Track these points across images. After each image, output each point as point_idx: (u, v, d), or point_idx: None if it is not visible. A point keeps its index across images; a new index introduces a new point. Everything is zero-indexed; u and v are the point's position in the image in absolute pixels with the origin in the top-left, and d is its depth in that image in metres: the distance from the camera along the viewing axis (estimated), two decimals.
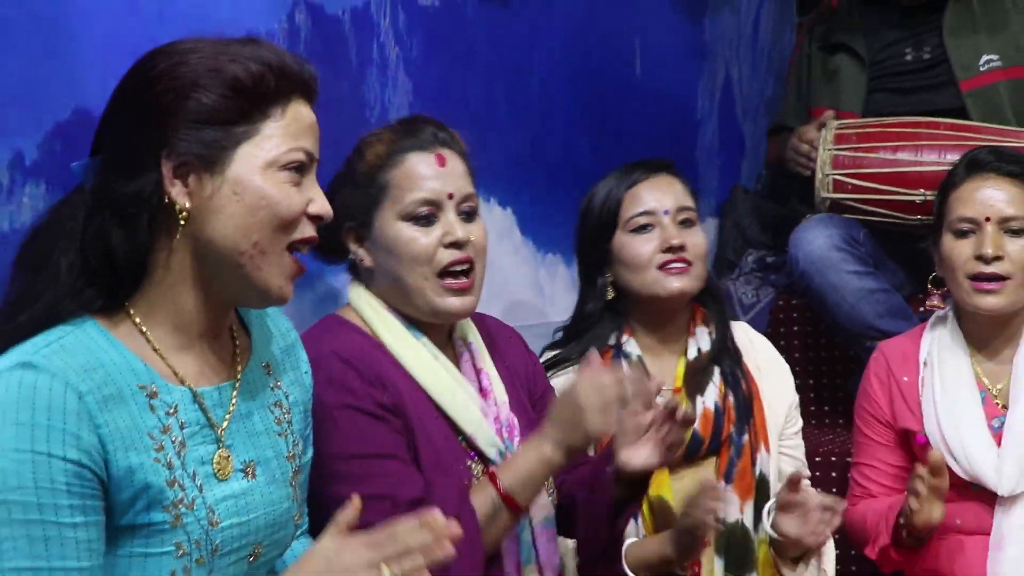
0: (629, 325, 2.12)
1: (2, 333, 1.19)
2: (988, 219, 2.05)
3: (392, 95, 2.11)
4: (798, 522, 1.91)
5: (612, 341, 2.11)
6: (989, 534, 2.03)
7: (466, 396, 1.69)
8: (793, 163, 2.91)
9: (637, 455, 1.71)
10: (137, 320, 1.23)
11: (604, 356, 2.08)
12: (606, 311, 2.12)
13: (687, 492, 1.95)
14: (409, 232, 1.64)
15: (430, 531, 1.22)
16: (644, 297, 2.08)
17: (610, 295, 2.11)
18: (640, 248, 2.06)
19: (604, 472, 1.73)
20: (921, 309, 2.70)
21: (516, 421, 1.75)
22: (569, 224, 2.64)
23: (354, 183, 1.68)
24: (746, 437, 2.07)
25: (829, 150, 2.71)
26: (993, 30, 2.90)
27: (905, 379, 2.16)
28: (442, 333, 1.73)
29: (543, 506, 1.74)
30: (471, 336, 1.78)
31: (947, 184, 2.14)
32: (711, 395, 2.07)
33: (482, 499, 1.60)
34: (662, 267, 2.04)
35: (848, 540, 2.25)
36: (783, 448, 2.13)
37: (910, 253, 2.78)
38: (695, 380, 2.08)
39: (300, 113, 1.26)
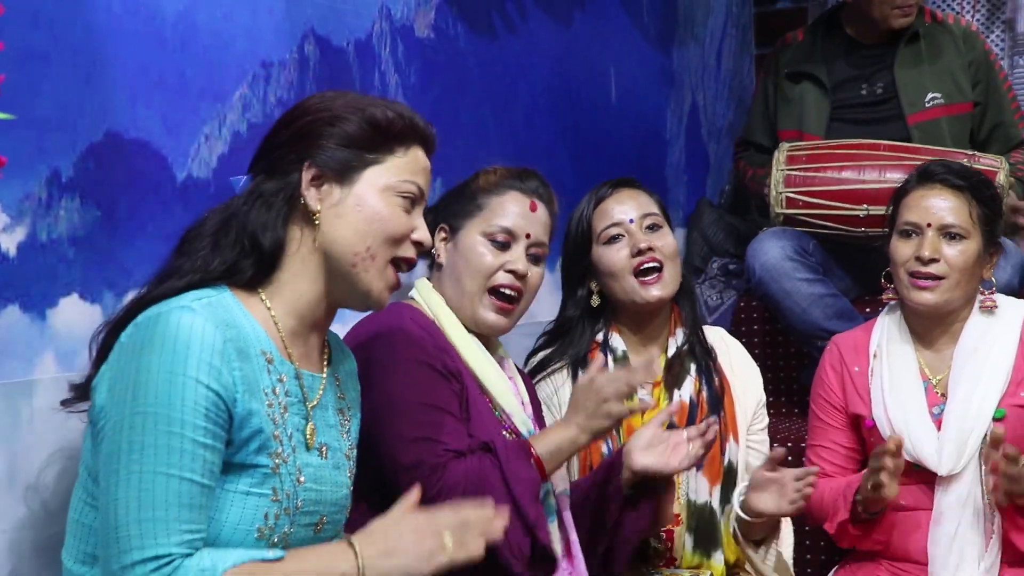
0: (615, 324, 2.13)
1: (153, 292, 1.27)
2: (930, 225, 2.07)
3: None
4: (774, 496, 1.93)
5: (600, 337, 2.13)
6: (930, 510, 2.05)
7: (506, 384, 1.80)
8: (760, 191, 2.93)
9: (642, 457, 1.80)
10: (264, 297, 1.33)
11: (592, 351, 2.12)
12: (586, 316, 2.14)
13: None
14: (482, 248, 1.77)
15: (485, 512, 1.32)
16: (626, 303, 2.09)
17: (596, 302, 2.13)
18: (614, 257, 2.08)
19: (617, 461, 1.83)
20: (867, 310, 2.73)
21: (535, 424, 1.85)
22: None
23: (461, 195, 1.83)
24: (717, 428, 2.08)
25: (782, 170, 2.73)
26: (937, 70, 2.93)
27: (856, 369, 2.17)
28: (481, 340, 1.82)
29: (562, 478, 1.83)
30: (501, 351, 1.89)
31: (900, 191, 2.17)
32: (687, 388, 2.09)
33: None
34: (637, 274, 2.06)
35: (806, 521, 2.27)
36: (750, 443, 2.15)
37: (855, 261, 2.81)
38: (672, 375, 2.10)
39: (418, 157, 1.40)
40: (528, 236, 1.79)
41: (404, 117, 1.38)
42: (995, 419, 2.03)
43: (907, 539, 2.07)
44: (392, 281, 1.38)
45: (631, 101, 3.08)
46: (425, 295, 1.81)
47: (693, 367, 2.11)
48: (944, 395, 2.09)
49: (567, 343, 2.13)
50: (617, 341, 2.11)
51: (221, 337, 1.22)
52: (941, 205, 2.08)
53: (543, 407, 2.08)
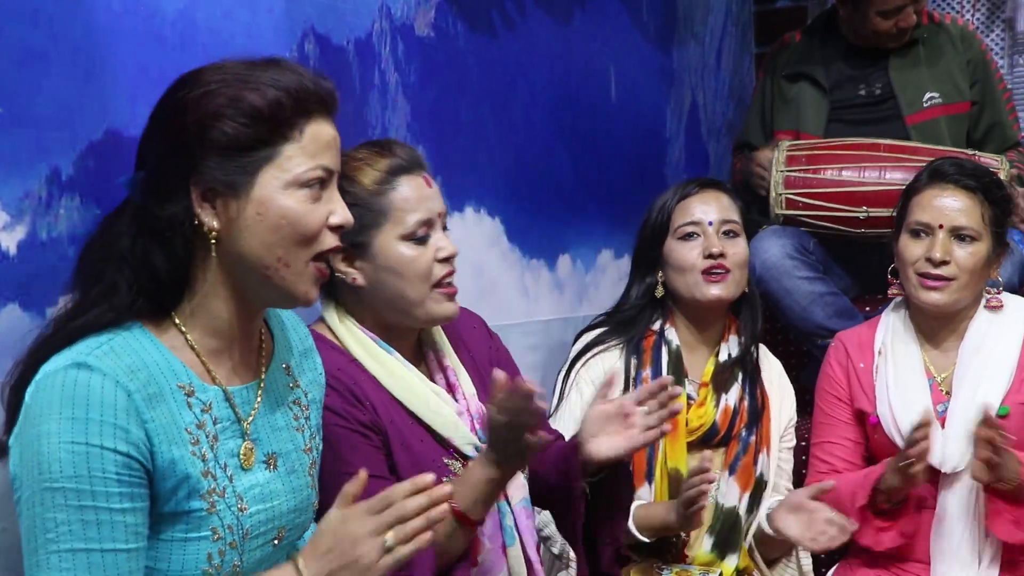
0: (673, 318, 2.16)
1: (57, 335, 1.19)
2: (941, 226, 2.07)
3: (392, 116, 2.12)
4: (800, 524, 1.93)
5: (656, 327, 2.15)
6: (933, 508, 2.06)
7: (440, 401, 1.66)
8: (753, 183, 2.93)
9: (602, 445, 1.69)
10: (178, 322, 1.24)
11: (647, 339, 2.14)
12: (648, 306, 2.17)
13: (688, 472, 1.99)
14: (410, 251, 1.61)
15: (424, 495, 1.20)
16: (687, 299, 2.12)
17: (660, 293, 2.17)
18: (686, 254, 2.12)
19: (574, 461, 1.71)
20: (867, 309, 2.73)
21: (485, 410, 1.69)
22: (550, 231, 2.67)
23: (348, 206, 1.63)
24: (753, 438, 2.12)
25: (781, 171, 2.73)
26: (935, 70, 2.93)
27: (861, 365, 2.18)
28: (410, 343, 1.70)
29: (519, 487, 1.72)
30: (435, 336, 1.74)
31: (911, 188, 2.16)
32: (733, 395, 2.13)
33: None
34: (704, 273, 2.08)
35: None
36: (777, 459, 2.17)
37: (856, 260, 2.81)
38: (722, 379, 2.12)
39: (319, 132, 1.23)
40: (440, 215, 1.65)
41: (291, 93, 1.20)
42: (999, 416, 2.03)
43: (910, 536, 2.07)
44: (316, 276, 1.26)
45: (631, 100, 3.08)
46: (335, 326, 1.65)
47: (740, 376, 2.13)
48: (949, 393, 2.10)
49: (625, 325, 2.16)
50: (672, 334, 2.16)
51: (124, 393, 1.13)
52: (953, 206, 2.07)
53: (592, 387, 2.07)
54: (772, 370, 2.26)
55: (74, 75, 1.46)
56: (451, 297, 1.65)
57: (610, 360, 2.14)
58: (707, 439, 2.09)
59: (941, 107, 2.92)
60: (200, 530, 1.20)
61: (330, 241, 1.25)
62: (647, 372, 2.12)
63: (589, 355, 2.14)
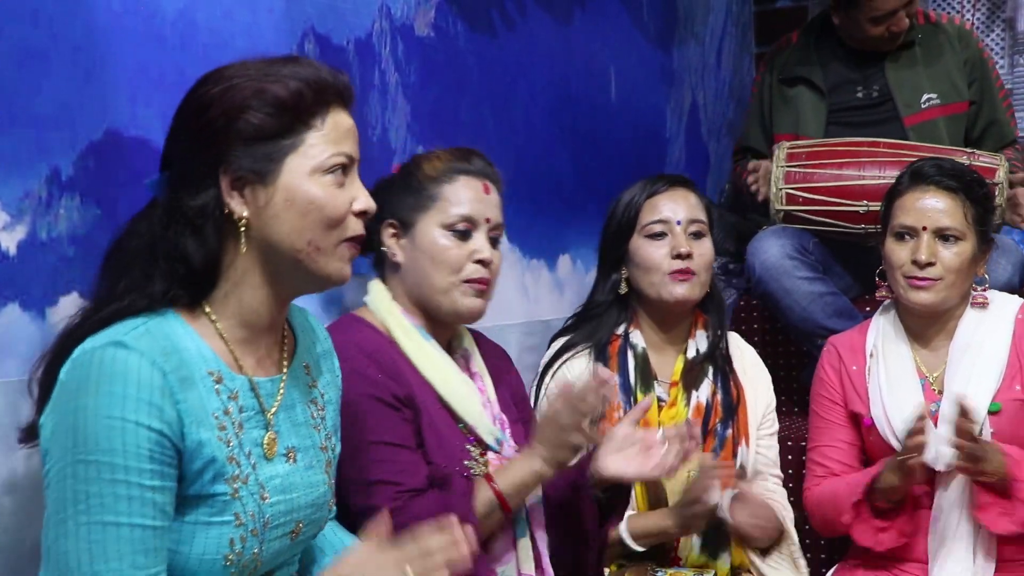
0: (637, 319, 2.14)
1: (89, 322, 1.21)
2: (925, 228, 2.07)
3: (392, 116, 2.12)
4: (746, 514, 1.95)
5: (620, 331, 2.14)
6: (929, 508, 2.05)
7: (469, 390, 1.73)
8: (750, 188, 2.93)
9: (612, 464, 1.73)
10: (208, 311, 1.26)
11: (612, 344, 2.12)
12: (615, 304, 2.15)
13: (690, 476, 1.98)
14: (446, 241, 1.70)
15: (449, 537, 1.30)
16: (651, 298, 2.11)
17: (623, 290, 2.15)
18: (653, 252, 2.10)
19: (584, 475, 1.75)
20: (867, 308, 2.73)
21: (506, 418, 1.78)
22: (550, 232, 2.66)
23: (406, 187, 1.73)
24: (729, 431, 2.11)
25: (782, 167, 2.73)
26: (933, 71, 2.93)
27: (854, 368, 2.18)
28: (444, 340, 1.76)
29: None
30: (466, 344, 1.81)
31: (893, 192, 2.16)
32: (704, 391, 2.11)
33: (481, 497, 1.62)
34: (670, 273, 2.07)
35: (806, 521, 2.26)
36: (758, 447, 2.16)
37: (855, 260, 2.81)
38: (691, 376, 2.11)
39: (339, 121, 1.28)
40: (488, 220, 1.72)
41: (311, 84, 1.25)
42: (990, 413, 2.04)
43: (909, 536, 2.07)
44: (349, 256, 1.30)
45: (631, 100, 3.08)
46: (377, 307, 1.73)
47: (711, 370, 2.12)
48: (941, 392, 2.10)
49: (593, 327, 2.15)
50: (637, 338, 2.14)
51: (159, 372, 1.16)
52: (936, 207, 2.08)
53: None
54: (745, 359, 2.23)
55: (74, 75, 1.46)
56: (480, 294, 1.71)
57: (577, 367, 2.12)
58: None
59: (939, 108, 2.92)
60: (223, 514, 1.22)
61: (356, 227, 1.29)
62: (615, 379, 2.10)
63: (557, 365, 2.13)
